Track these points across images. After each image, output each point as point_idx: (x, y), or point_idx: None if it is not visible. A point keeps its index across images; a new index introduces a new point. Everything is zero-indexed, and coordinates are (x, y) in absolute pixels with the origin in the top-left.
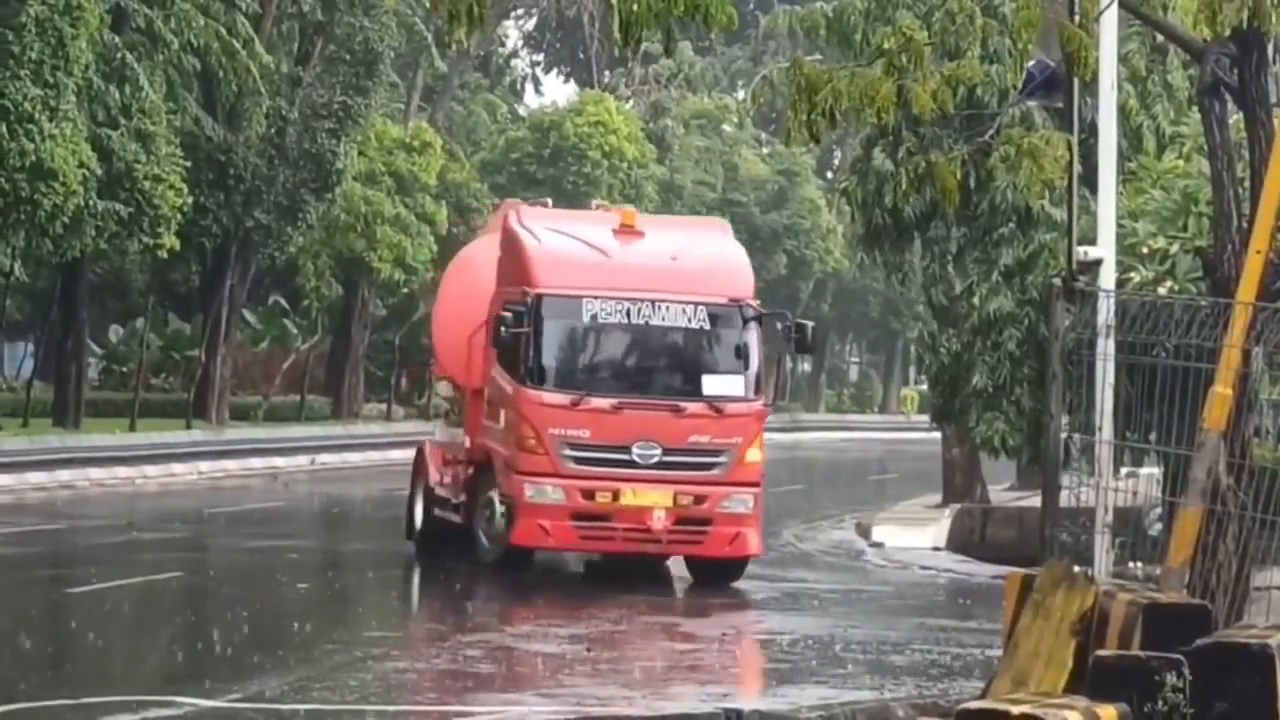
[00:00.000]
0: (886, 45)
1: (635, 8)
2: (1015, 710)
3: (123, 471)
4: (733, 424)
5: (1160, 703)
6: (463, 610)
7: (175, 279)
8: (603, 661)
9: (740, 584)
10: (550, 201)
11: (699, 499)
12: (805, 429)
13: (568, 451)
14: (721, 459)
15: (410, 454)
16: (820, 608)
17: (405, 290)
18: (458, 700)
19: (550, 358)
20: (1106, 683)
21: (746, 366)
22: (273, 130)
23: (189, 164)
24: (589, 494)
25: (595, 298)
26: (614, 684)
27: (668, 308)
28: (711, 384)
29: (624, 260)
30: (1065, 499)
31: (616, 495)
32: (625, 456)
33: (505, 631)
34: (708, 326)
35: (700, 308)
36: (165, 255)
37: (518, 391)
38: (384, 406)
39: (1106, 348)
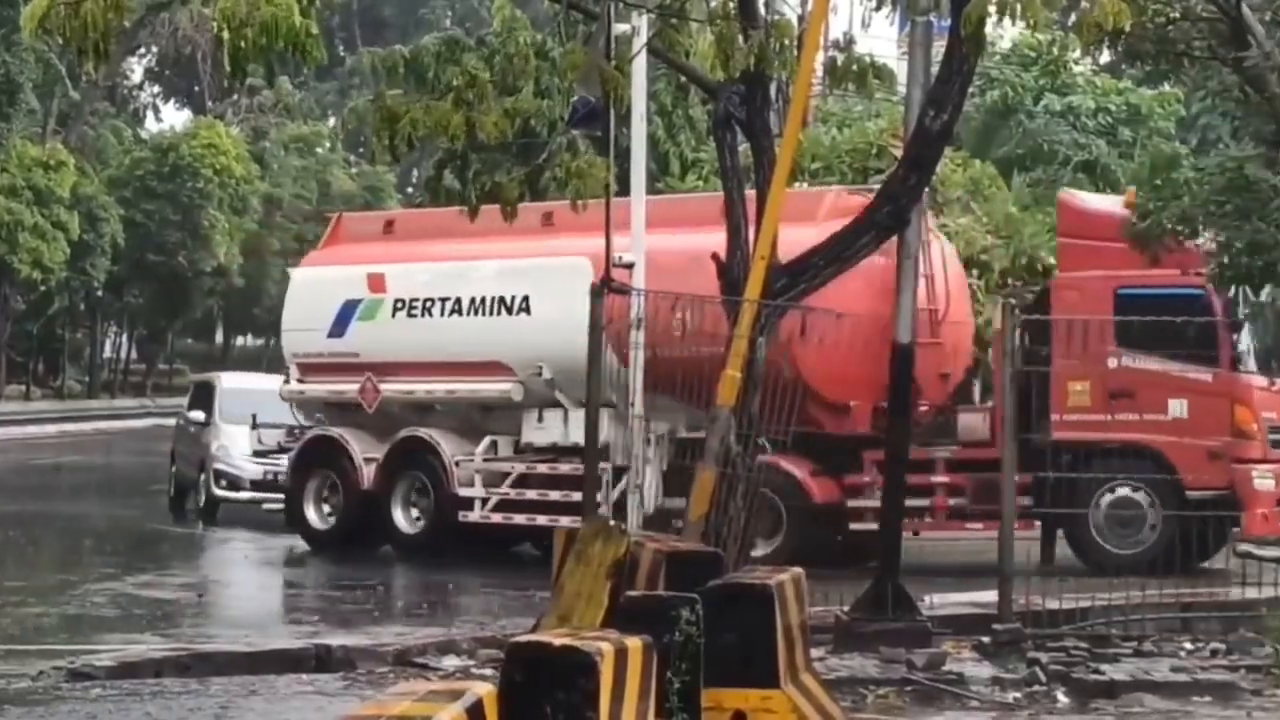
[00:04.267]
0: (456, 82)
1: (242, 44)
2: (557, 642)
3: None
4: None
5: (678, 634)
6: (92, 562)
7: None
8: (213, 606)
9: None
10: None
11: None
12: None
13: (1271, 436)
14: None
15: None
16: (406, 559)
17: (43, 288)
18: (86, 640)
19: (1242, 342)
20: (635, 618)
21: None
22: None
23: None
24: None
25: None
26: (221, 625)
27: None
28: None
29: None
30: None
31: None
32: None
33: (128, 581)
34: None
35: None
36: None
37: (1224, 378)
38: (23, 388)
39: (638, 337)
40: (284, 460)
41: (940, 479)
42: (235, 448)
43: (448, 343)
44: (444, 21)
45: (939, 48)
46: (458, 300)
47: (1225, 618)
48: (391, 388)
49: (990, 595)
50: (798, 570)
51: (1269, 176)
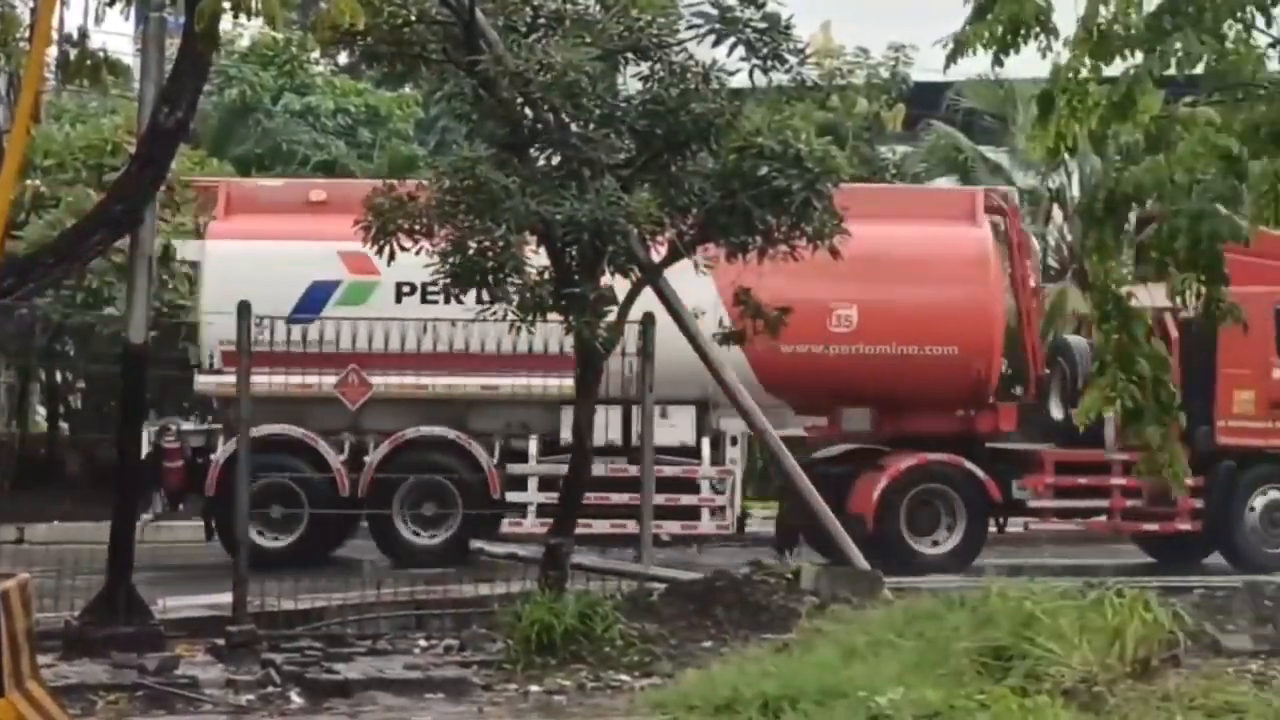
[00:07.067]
0: None
1: None
2: None
3: None
4: None
5: None
6: None
7: None
8: None
9: None
10: None
11: None
12: None
13: None
14: None
15: None
16: None
17: None
18: None
19: None
20: None
21: None
22: None
23: None
24: None
25: None
26: None
27: None
28: None
29: None
30: None
31: None
32: None
33: None
34: None
35: None
36: None
37: None
38: None
39: None
40: None
41: (1118, 481)
42: None
43: (494, 332)
44: None
45: (176, 44)
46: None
47: (458, 614)
48: (391, 381)
49: (227, 597)
50: (24, 576)
51: (500, 178)
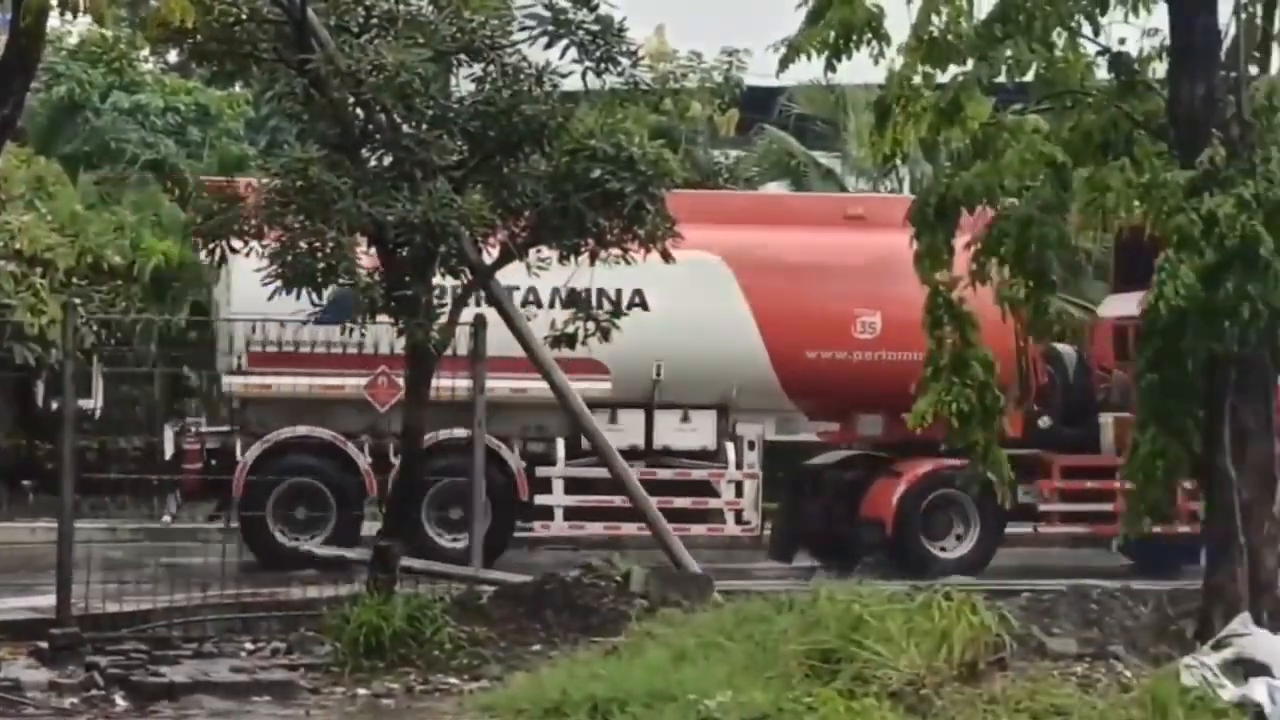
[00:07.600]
0: None
1: None
2: None
3: None
4: None
5: None
6: None
7: None
8: None
9: None
10: None
11: None
12: None
13: None
14: None
15: None
16: None
17: None
18: None
19: None
20: None
21: None
22: None
23: None
24: None
25: None
26: None
27: None
28: None
29: None
30: None
31: None
32: None
33: None
34: None
35: None
36: None
37: None
38: None
39: None
40: None
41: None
42: None
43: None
44: None
45: (2, 40)
46: (533, 290)
47: (286, 617)
48: None
49: (51, 599)
50: None
51: (332, 179)
